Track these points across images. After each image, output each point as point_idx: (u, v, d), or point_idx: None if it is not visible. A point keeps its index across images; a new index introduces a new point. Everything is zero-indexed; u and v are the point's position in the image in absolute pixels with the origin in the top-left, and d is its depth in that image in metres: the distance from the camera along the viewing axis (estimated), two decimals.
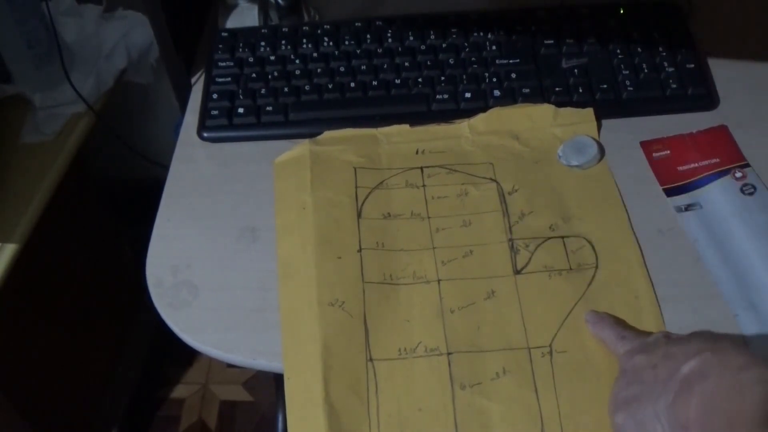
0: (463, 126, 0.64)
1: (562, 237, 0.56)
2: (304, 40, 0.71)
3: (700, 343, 0.41)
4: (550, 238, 0.56)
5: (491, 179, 0.60)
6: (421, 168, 0.61)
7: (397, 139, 0.63)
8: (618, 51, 0.68)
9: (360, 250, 0.55)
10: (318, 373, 0.49)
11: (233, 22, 0.77)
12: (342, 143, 0.63)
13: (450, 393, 0.49)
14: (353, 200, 0.59)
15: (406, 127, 0.64)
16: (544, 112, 0.64)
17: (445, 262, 0.55)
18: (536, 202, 0.59)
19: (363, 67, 0.69)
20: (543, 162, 0.62)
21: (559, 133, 0.63)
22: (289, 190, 0.60)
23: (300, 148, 0.63)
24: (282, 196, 0.60)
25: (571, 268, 0.55)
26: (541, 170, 0.61)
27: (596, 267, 0.55)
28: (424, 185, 0.60)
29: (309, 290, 0.53)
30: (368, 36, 0.71)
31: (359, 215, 0.57)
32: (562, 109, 0.64)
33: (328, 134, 0.63)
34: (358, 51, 0.70)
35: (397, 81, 0.67)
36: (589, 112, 0.64)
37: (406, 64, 0.68)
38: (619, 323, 0.51)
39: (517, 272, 0.54)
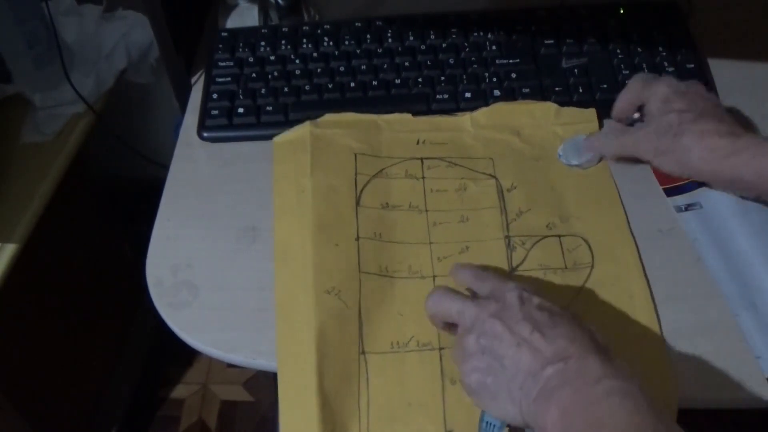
0: (465, 119, 0.64)
1: (559, 236, 0.56)
2: (304, 40, 0.71)
3: (565, 342, 0.41)
4: (546, 236, 0.56)
5: (491, 175, 0.60)
6: (422, 159, 0.61)
7: (399, 127, 0.63)
8: (618, 51, 0.68)
9: (358, 239, 0.55)
10: (312, 360, 0.49)
11: (233, 22, 0.77)
12: (343, 127, 0.63)
13: (440, 388, 0.49)
14: (352, 187, 0.58)
15: (408, 116, 0.64)
16: (546, 109, 0.65)
17: (441, 259, 0.55)
18: (535, 200, 0.59)
19: (363, 67, 0.69)
20: (543, 160, 0.62)
21: (561, 132, 0.63)
22: (288, 172, 0.60)
23: (300, 129, 0.63)
24: (281, 178, 0.60)
25: (566, 267, 0.55)
26: (541, 168, 0.61)
27: (591, 266, 0.55)
28: (423, 177, 0.60)
29: (306, 276, 0.53)
30: (368, 36, 0.71)
31: (358, 203, 0.57)
32: (565, 108, 0.64)
33: (329, 117, 0.63)
34: (358, 51, 0.70)
35: (397, 81, 0.67)
36: (592, 112, 0.64)
37: (406, 64, 0.68)
38: (480, 267, 0.52)
39: (513, 269, 0.54)
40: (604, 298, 0.53)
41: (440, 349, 0.51)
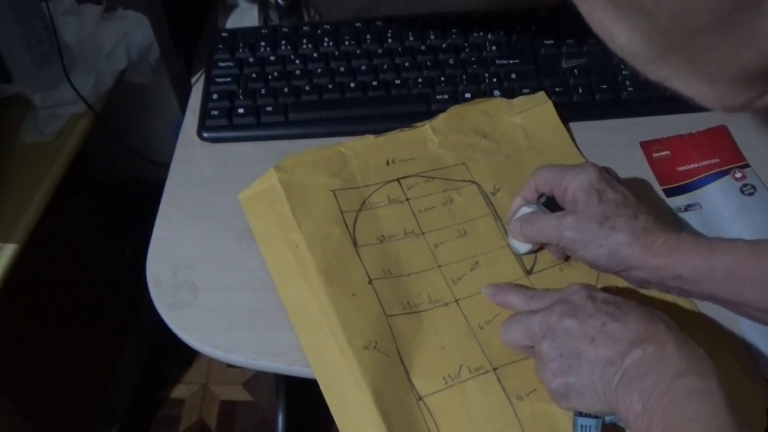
0: (425, 129, 0.63)
1: None
2: (304, 40, 0.71)
3: (639, 326, 0.42)
4: None
5: (471, 181, 0.60)
6: (398, 180, 0.59)
7: (364, 152, 0.61)
8: None
9: (371, 282, 0.53)
10: (377, 422, 0.46)
11: (233, 22, 0.77)
12: (309, 166, 0.59)
13: (510, 408, 0.47)
14: (344, 228, 0.55)
15: (370, 138, 0.62)
16: (497, 105, 0.65)
17: (456, 280, 0.53)
18: None
19: (363, 68, 0.69)
20: (514, 155, 0.62)
21: (520, 121, 0.64)
22: (271, 228, 0.56)
23: (266, 179, 0.58)
24: (265, 237, 0.56)
25: None
26: (515, 164, 0.61)
27: None
28: (407, 199, 0.58)
29: (336, 337, 0.50)
30: (368, 36, 0.71)
31: (355, 243, 0.55)
32: (514, 99, 0.65)
33: (291, 158, 0.59)
34: (358, 51, 0.70)
35: (397, 81, 0.67)
36: (542, 94, 0.65)
37: (406, 64, 0.68)
38: (521, 286, 0.52)
39: (529, 273, 0.54)
40: None
41: (494, 369, 0.49)
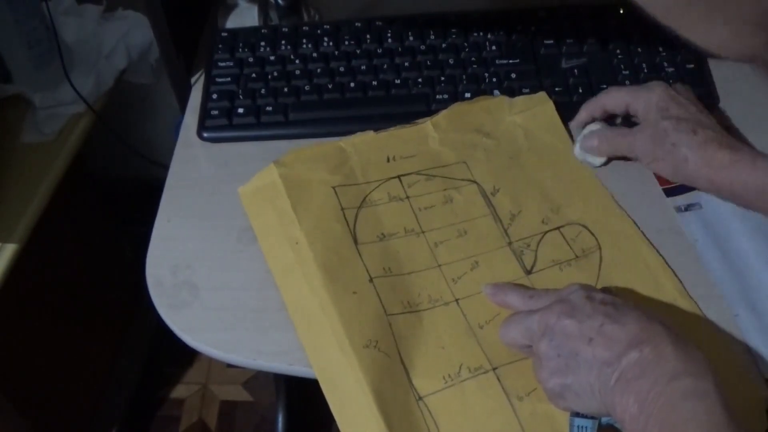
0: (427, 126, 0.63)
1: (558, 228, 0.56)
2: (304, 40, 0.71)
3: (636, 327, 0.42)
4: (547, 232, 0.56)
5: (470, 180, 0.60)
6: (399, 177, 0.59)
7: (364, 148, 0.61)
8: (618, 51, 0.68)
9: (371, 280, 0.52)
10: (378, 421, 0.46)
11: (233, 22, 0.77)
12: (310, 162, 0.59)
13: (510, 408, 0.47)
14: (344, 225, 0.55)
15: (370, 133, 0.62)
16: (499, 103, 0.65)
17: (456, 280, 0.53)
18: (521, 200, 0.58)
19: (363, 67, 0.69)
20: (515, 157, 0.62)
21: (520, 121, 0.64)
22: (272, 225, 0.56)
23: (266, 174, 0.58)
24: (266, 233, 0.56)
25: (577, 256, 0.55)
26: (515, 165, 0.61)
27: (599, 248, 0.55)
28: (407, 197, 0.58)
29: (337, 335, 0.49)
30: (368, 36, 0.71)
31: (356, 241, 0.55)
32: (516, 98, 0.65)
33: (291, 154, 0.59)
34: (358, 51, 0.70)
35: (397, 81, 0.67)
36: (543, 95, 0.65)
37: (406, 64, 0.68)
38: (520, 286, 0.52)
39: (529, 273, 0.54)
40: (623, 274, 0.53)
41: (494, 369, 0.49)
